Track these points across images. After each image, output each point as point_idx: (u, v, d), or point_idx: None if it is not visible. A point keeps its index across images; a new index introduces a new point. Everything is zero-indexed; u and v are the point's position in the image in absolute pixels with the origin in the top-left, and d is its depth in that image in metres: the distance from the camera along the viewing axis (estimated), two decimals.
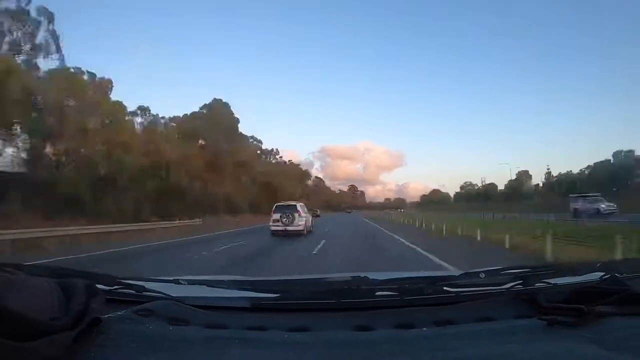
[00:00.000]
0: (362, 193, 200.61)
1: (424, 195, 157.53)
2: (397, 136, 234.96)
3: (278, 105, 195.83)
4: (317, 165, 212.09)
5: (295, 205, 19.45)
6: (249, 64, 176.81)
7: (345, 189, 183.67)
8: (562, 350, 0.80)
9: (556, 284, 1.12)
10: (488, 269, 1.35)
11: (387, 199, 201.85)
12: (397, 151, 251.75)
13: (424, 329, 0.91)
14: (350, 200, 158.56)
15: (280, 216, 18.53)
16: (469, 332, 0.87)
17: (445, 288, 1.12)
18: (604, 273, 1.10)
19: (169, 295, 1.07)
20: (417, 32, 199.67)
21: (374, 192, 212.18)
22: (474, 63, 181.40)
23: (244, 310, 1.04)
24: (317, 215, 65.36)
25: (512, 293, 1.07)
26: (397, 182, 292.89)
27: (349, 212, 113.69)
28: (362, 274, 1.31)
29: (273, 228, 18.60)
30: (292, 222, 18.32)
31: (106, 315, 0.85)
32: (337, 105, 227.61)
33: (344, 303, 1.06)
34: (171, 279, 1.29)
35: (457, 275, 1.29)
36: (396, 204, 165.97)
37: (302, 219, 18.94)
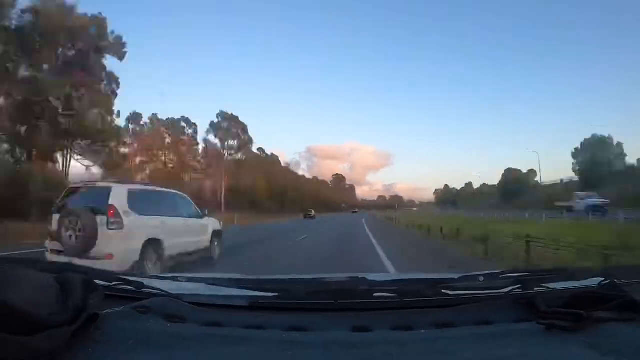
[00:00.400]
0: (352, 187, 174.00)
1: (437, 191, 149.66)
2: (384, 136, 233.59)
3: (264, 105, 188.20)
4: (303, 165, 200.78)
5: (108, 190, 6.59)
6: (236, 64, 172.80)
7: (327, 180, 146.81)
8: (560, 355, 0.80)
9: (555, 288, 1.12)
10: (488, 272, 1.35)
11: (381, 197, 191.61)
12: (384, 151, 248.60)
13: (422, 331, 0.90)
14: (336, 197, 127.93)
15: (60, 225, 6.20)
16: (467, 335, 0.87)
17: (444, 291, 1.12)
18: (603, 279, 1.10)
19: (167, 292, 1.08)
20: (405, 32, 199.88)
21: (361, 192, 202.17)
22: (462, 63, 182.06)
23: (242, 309, 1.04)
24: (312, 217, 56.64)
25: (511, 297, 1.07)
26: (384, 182, 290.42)
27: (355, 212, 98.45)
28: (361, 275, 1.31)
29: (51, 254, 6.33)
30: (88, 241, 6.02)
31: (104, 311, 0.85)
32: (323, 105, 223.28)
33: (342, 303, 1.06)
34: (169, 276, 1.29)
35: (456, 277, 1.29)
36: (392, 203, 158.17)
37: (119, 234, 6.22)
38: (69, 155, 28.88)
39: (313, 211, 64.33)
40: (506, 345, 0.82)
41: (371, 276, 1.35)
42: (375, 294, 1.14)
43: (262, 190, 63.15)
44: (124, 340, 0.79)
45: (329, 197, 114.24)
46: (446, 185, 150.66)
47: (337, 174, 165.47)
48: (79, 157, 29.34)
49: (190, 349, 0.80)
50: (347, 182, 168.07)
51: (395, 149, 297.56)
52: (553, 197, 45.68)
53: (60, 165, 28.33)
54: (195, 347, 0.80)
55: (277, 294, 1.11)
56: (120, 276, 1.17)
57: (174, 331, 0.87)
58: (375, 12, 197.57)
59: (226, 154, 60.43)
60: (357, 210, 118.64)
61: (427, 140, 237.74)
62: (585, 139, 61.67)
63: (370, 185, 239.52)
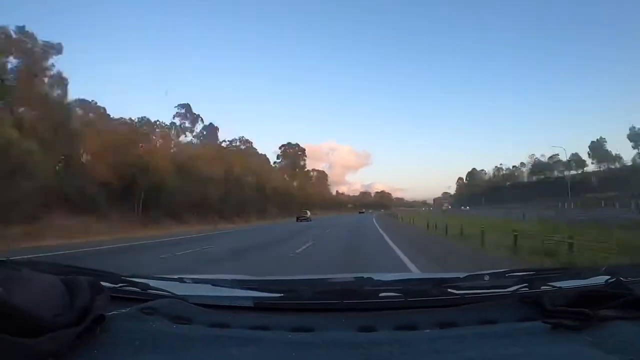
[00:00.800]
0: (323, 174, 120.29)
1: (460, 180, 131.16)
2: (362, 135, 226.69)
3: (240, 104, 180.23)
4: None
5: None
6: (213, 63, 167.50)
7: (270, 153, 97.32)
8: (565, 354, 0.79)
9: (561, 287, 1.12)
10: (493, 271, 1.34)
11: (365, 193, 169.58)
12: (362, 150, 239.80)
13: (427, 330, 0.90)
14: (291, 186, 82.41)
15: None
16: (473, 335, 0.87)
17: (449, 290, 1.12)
18: (609, 277, 1.09)
19: (173, 294, 1.08)
20: (379, 30, 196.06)
21: (340, 191, 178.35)
22: (438, 62, 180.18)
23: (247, 310, 1.04)
24: (306, 219, 46.94)
25: (517, 296, 1.06)
26: (362, 182, 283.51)
27: (362, 213, 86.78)
28: (366, 275, 1.31)
29: None
30: None
31: (110, 313, 0.86)
32: (300, 104, 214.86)
33: (348, 304, 1.06)
34: (175, 277, 1.30)
35: (461, 277, 1.29)
36: (378, 201, 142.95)
37: None
38: None
39: (308, 212, 54.22)
40: (511, 344, 0.81)
41: (377, 276, 1.35)
42: (380, 294, 1.14)
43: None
44: (130, 341, 0.79)
45: (296, 193, 74.85)
46: (474, 168, 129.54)
47: (288, 144, 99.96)
48: None
49: (196, 350, 0.80)
50: (312, 164, 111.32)
51: (373, 149, 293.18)
52: None
53: None
54: (202, 348, 0.81)
55: (282, 295, 1.11)
56: (126, 277, 1.18)
57: (180, 332, 0.87)
58: (352, 13, 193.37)
59: None
60: (364, 210, 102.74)
61: (406, 140, 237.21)
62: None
63: (349, 185, 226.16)
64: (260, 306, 1.06)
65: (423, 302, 1.07)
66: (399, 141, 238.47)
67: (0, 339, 0.58)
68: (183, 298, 1.05)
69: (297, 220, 46.65)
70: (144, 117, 48.18)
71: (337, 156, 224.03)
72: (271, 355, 0.80)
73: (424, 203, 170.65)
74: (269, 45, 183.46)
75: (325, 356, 0.79)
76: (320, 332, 0.90)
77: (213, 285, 1.25)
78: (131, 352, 0.76)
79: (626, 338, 0.81)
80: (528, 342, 0.82)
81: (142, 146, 37.36)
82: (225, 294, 1.16)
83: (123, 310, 0.92)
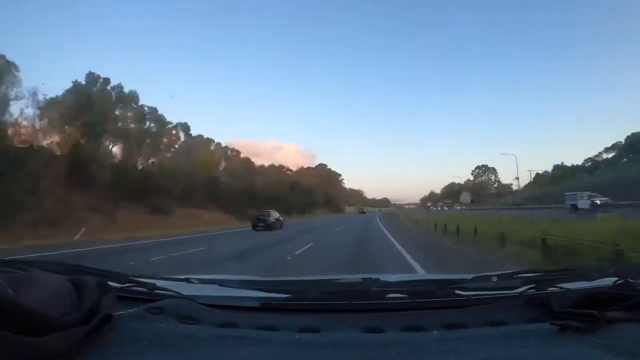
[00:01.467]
0: (247, 160, 62.60)
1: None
2: (306, 135, 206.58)
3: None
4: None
5: None
6: (156, 61, 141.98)
7: None
8: (574, 356, 0.79)
9: (569, 288, 1.11)
10: (500, 272, 1.34)
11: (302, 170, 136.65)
12: (306, 150, 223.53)
13: (434, 332, 0.90)
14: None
15: None
16: (480, 336, 0.87)
17: (456, 291, 1.11)
18: (617, 278, 1.08)
19: (180, 294, 1.08)
20: (326, 26, 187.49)
21: None
22: (386, 62, 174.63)
23: (254, 310, 1.04)
24: (268, 225, 25.36)
25: (525, 297, 1.06)
26: None
27: (364, 213, 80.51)
28: (373, 276, 1.32)
29: None
30: None
31: (117, 313, 0.86)
32: (238, 100, 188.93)
33: (355, 304, 1.06)
34: (182, 277, 1.30)
35: (469, 278, 1.29)
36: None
37: None
38: None
39: (273, 213, 28.21)
40: (519, 346, 0.81)
41: (384, 277, 1.35)
42: (387, 295, 1.14)
43: None
44: (138, 341, 0.79)
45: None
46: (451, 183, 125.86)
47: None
48: None
49: (204, 350, 0.80)
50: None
51: (319, 149, 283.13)
52: None
53: None
54: (209, 348, 0.81)
55: (289, 295, 1.12)
56: (133, 278, 1.18)
57: (187, 332, 0.87)
58: (300, 8, 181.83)
59: None
60: (365, 210, 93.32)
61: (356, 142, 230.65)
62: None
63: None
64: (267, 307, 1.06)
65: (430, 303, 1.06)
66: (348, 143, 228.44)
67: (4, 337, 0.58)
68: (190, 298, 1.05)
69: (253, 229, 25.87)
70: None
71: (283, 154, 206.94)
72: (278, 356, 0.80)
73: (385, 201, 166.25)
74: (206, 38, 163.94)
75: (332, 357, 0.79)
76: (327, 332, 0.90)
77: (220, 285, 1.26)
78: (138, 352, 0.76)
79: (635, 340, 0.81)
80: (536, 344, 0.82)
81: None
82: (232, 294, 1.16)
83: (130, 310, 0.93)
